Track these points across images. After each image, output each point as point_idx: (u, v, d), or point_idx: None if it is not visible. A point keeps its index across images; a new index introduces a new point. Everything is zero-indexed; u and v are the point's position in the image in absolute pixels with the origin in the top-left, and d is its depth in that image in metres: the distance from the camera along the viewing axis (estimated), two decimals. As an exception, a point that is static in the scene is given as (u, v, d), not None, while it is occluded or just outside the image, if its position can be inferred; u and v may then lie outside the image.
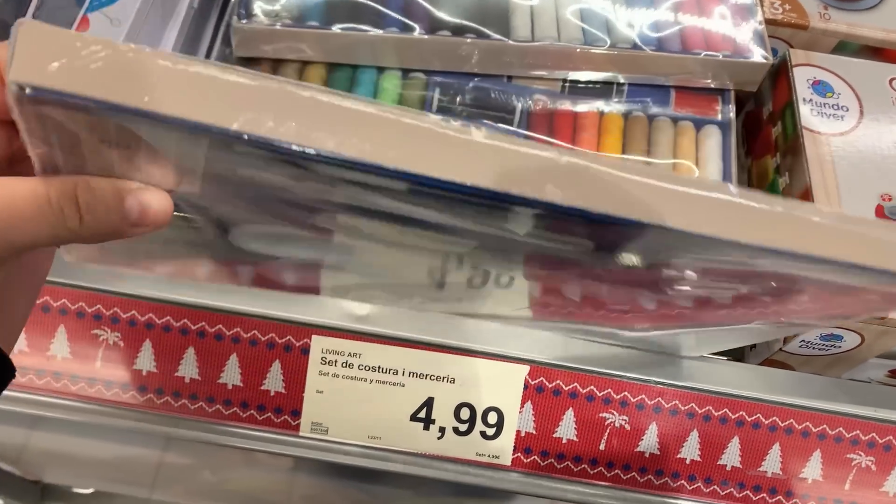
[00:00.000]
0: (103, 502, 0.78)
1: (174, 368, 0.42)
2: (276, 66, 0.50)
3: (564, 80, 0.51)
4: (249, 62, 0.50)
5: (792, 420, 0.43)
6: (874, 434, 0.43)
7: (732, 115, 0.53)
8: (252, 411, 0.43)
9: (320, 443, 0.43)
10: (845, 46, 0.53)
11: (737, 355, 0.53)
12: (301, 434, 0.43)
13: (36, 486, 0.81)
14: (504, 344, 0.43)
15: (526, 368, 0.43)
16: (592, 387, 0.43)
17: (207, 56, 0.51)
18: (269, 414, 0.43)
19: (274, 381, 0.42)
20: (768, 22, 0.52)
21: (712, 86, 0.52)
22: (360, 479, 0.68)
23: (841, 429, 0.43)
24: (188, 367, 0.42)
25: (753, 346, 0.51)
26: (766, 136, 0.55)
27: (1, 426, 0.68)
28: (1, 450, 0.69)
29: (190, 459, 0.69)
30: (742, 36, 0.51)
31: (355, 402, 0.42)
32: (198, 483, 0.72)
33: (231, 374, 0.42)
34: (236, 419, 0.43)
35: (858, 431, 0.43)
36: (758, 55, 0.51)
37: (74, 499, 0.77)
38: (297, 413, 0.43)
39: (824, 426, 0.43)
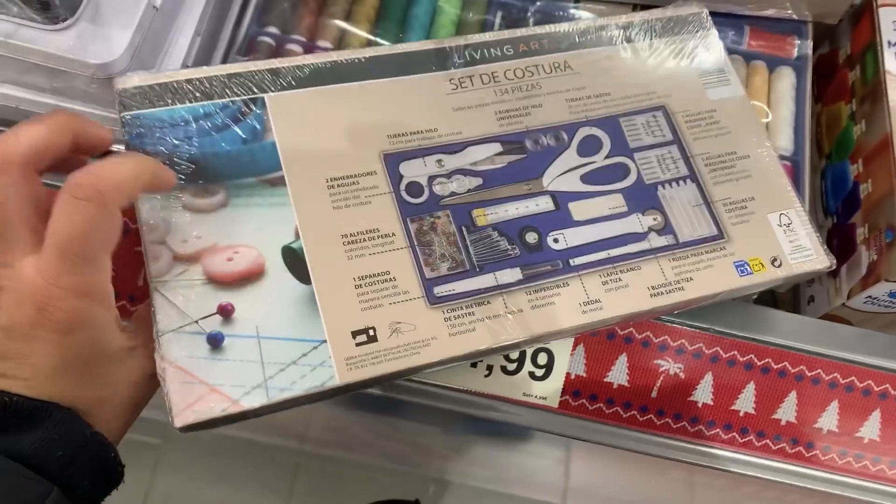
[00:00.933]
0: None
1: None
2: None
3: (635, 5, 0.48)
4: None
5: (854, 377, 0.42)
6: (939, 395, 0.41)
7: (809, 51, 0.49)
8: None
9: (364, 374, 0.42)
10: (937, -14, 0.50)
11: (795, 310, 0.51)
12: (346, 364, 0.41)
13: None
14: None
15: (581, 310, 0.41)
16: (649, 332, 0.42)
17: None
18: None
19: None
20: (856, -46, 0.49)
21: (792, 16, 0.48)
22: (383, 412, 0.67)
23: (903, 388, 0.42)
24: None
25: (812, 301, 0.50)
26: (840, 81, 0.51)
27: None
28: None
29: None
30: (827, -34, 0.48)
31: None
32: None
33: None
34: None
35: (922, 392, 0.41)
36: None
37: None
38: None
39: (887, 385, 0.42)
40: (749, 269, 0.37)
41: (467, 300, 0.34)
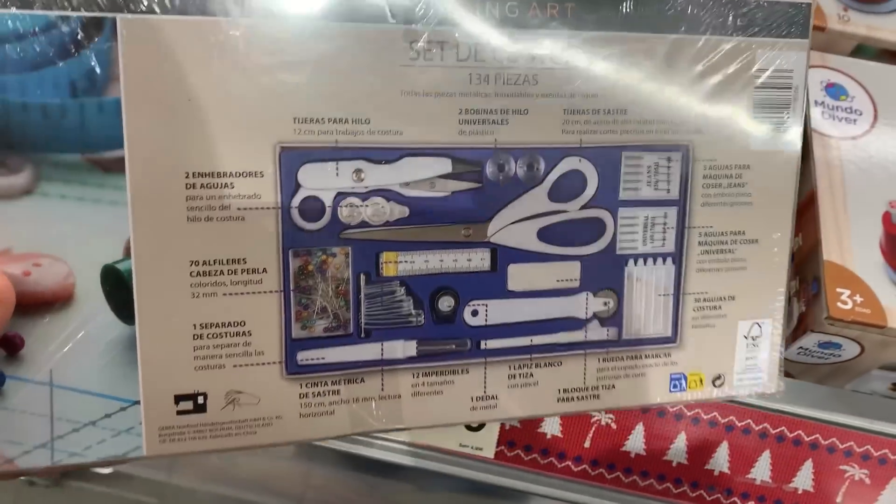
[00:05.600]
0: (122, 483, 0.70)
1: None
2: None
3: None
4: None
5: (784, 427, 0.38)
6: (869, 446, 0.38)
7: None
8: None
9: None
10: (864, 50, 0.47)
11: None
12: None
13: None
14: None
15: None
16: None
17: None
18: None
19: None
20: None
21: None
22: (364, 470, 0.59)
23: (834, 439, 0.39)
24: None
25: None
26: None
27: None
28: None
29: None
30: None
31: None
32: (209, 467, 0.66)
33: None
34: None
35: (853, 443, 0.38)
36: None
37: (93, 478, 0.69)
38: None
39: (817, 435, 0.39)
40: (684, 384, 0.30)
41: (337, 375, 0.27)
